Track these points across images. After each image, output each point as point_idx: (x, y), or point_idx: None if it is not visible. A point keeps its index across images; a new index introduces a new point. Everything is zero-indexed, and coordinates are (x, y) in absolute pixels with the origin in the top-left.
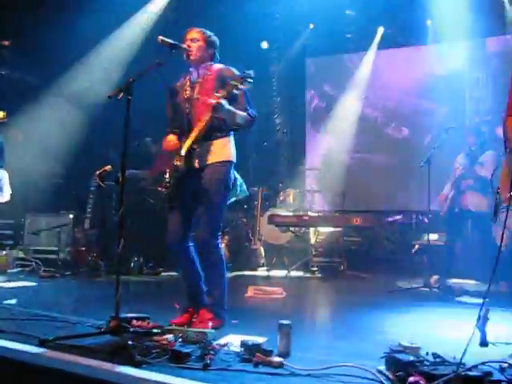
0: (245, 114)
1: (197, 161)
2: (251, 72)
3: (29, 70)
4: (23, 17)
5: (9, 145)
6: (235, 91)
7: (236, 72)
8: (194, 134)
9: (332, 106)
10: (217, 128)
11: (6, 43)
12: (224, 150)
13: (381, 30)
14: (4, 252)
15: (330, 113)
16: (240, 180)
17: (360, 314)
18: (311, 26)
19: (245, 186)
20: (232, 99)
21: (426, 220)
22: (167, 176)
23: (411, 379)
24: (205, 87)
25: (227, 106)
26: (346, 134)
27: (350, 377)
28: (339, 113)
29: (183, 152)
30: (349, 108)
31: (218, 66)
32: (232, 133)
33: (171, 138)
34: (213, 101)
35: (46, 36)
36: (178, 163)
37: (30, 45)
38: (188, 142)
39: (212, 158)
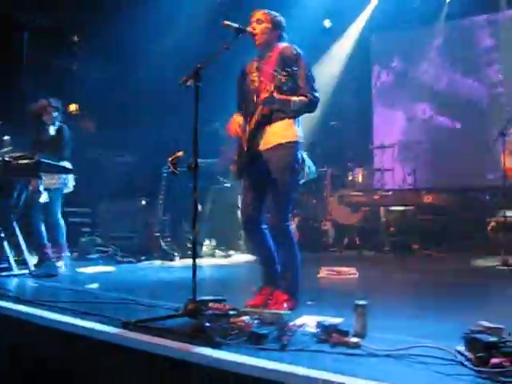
0: (301, 98)
1: (262, 144)
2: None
3: (97, 64)
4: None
5: (82, 135)
6: (294, 71)
7: (294, 51)
8: (253, 121)
9: (401, 81)
10: (279, 109)
11: (76, 39)
12: (288, 130)
13: None
14: (83, 239)
15: (398, 88)
16: (309, 161)
17: (436, 294)
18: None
19: (314, 167)
20: (292, 80)
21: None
22: (236, 160)
23: (494, 360)
24: (265, 70)
25: (279, 97)
26: (417, 108)
27: (429, 357)
28: (410, 87)
29: (246, 137)
30: (419, 81)
31: (280, 46)
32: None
33: (237, 120)
34: (264, 95)
35: (111, 31)
36: (244, 148)
37: (97, 40)
38: (249, 128)
39: (276, 140)
